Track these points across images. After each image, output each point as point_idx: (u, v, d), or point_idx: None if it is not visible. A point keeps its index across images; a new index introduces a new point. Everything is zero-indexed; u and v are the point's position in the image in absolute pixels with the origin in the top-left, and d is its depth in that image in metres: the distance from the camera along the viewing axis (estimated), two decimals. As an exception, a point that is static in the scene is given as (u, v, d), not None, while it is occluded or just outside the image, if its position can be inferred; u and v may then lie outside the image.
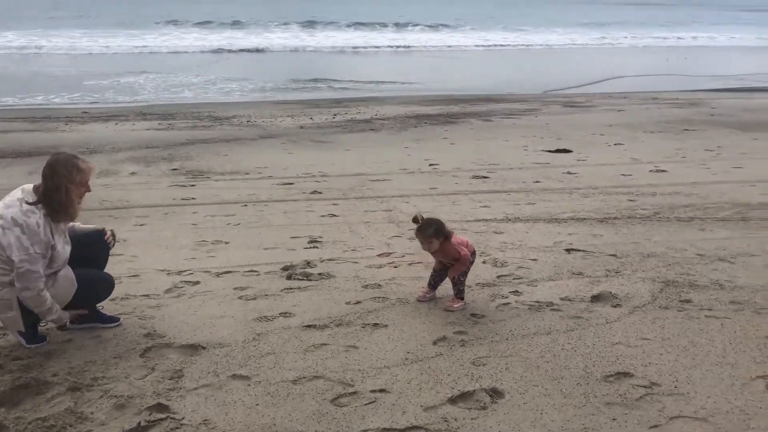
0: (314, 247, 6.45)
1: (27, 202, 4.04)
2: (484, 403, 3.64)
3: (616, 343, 4.39)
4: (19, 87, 21.85)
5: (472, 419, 3.49)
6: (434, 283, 5.14)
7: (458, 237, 5.07)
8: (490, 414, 3.54)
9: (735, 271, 5.78)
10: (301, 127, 15.06)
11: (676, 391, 3.79)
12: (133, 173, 10.22)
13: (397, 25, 54.31)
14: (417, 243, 6.26)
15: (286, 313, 4.86)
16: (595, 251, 6.29)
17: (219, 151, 12.03)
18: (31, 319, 4.19)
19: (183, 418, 3.46)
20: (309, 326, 4.63)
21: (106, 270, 4.59)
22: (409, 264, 5.92)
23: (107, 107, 18.62)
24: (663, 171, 9.97)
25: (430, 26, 54.31)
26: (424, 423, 3.45)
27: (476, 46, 41.74)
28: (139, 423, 3.38)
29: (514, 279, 5.57)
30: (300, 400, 3.67)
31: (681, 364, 4.13)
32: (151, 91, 22.23)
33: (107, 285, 4.50)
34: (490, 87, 23.44)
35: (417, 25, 54.75)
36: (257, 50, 36.15)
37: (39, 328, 4.38)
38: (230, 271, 5.75)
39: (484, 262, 6.02)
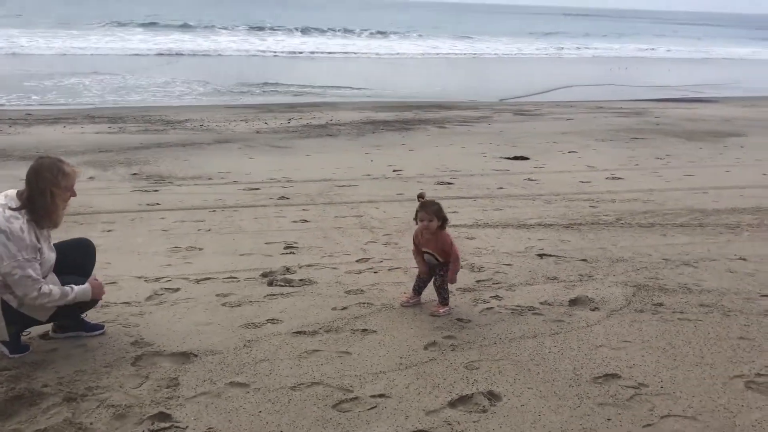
0: (291, 253, 6.45)
1: (10, 208, 3.95)
2: (484, 406, 3.72)
3: (600, 346, 4.53)
4: (-47, 88, 21.14)
5: (474, 422, 3.57)
6: (419, 288, 5.18)
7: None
8: (491, 417, 3.62)
9: (700, 275, 6.01)
10: (258, 132, 14.98)
11: (663, 391, 3.94)
12: (91, 178, 10.01)
13: (345, 31, 54.34)
14: (395, 249, 6.37)
15: (274, 319, 4.85)
16: (566, 256, 6.46)
17: (177, 155, 11.87)
18: (14, 328, 4.09)
19: (187, 426, 3.45)
20: (299, 332, 4.64)
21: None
22: (389, 269, 5.97)
23: (52, 109, 18.16)
24: (619, 178, 10.27)
25: (378, 33, 54.50)
26: (429, 427, 3.51)
27: (423, 54, 42.04)
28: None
29: (493, 284, 5.68)
30: (302, 406, 3.68)
31: (663, 365, 4.28)
32: (96, 93, 21.75)
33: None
34: (439, 94, 23.71)
35: (366, 31, 54.82)
36: (206, 53, 35.63)
37: (21, 337, 4.27)
38: (209, 278, 5.71)
39: (461, 267, 6.09)
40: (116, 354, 4.25)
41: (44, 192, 3.97)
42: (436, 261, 5.01)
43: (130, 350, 4.31)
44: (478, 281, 5.73)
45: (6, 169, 10.04)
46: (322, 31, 52.86)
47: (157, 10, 64.31)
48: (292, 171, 10.57)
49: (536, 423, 3.57)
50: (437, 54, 42.70)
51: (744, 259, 6.47)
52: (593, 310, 5.16)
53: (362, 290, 5.46)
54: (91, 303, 4.36)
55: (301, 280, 5.68)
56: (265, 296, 5.31)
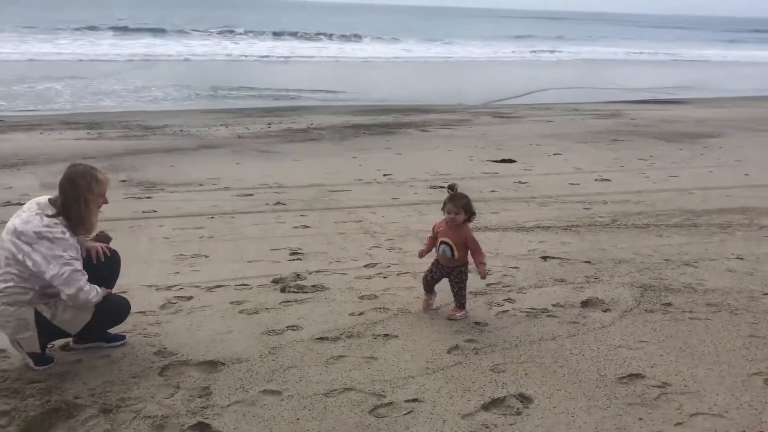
0: (298, 259, 6.46)
1: (47, 215, 3.95)
2: (517, 409, 3.78)
3: (618, 346, 4.62)
4: None
5: (510, 425, 3.62)
6: (430, 287, 5.19)
7: None
8: (526, 419, 3.68)
9: (701, 275, 6.14)
10: (240, 137, 14.92)
11: (687, 390, 4.03)
12: (80, 185, 9.85)
13: (317, 34, 54.26)
14: (401, 254, 6.41)
15: (294, 326, 4.86)
16: (569, 258, 6.55)
17: (163, 161, 11.79)
18: (44, 339, 4.06)
19: (227, 435, 3.44)
20: (321, 339, 4.66)
21: None
22: (398, 274, 6.01)
23: (25, 115, 17.91)
24: (607, 180, 10.43)
25: (354, 36, 54.51)
26: (468, 430, 3.55)
27: (397, 57, 42.15)
28: (186, 442, 3.33)
29: (503, 287, 5.74)
30: (339, 412, 3.70)
31: (683, 364, 4.38)
32: (68, 98, 21.46)
33: (126, 309, 4.41)
34: (415, 98, 23.76)
35: (334, 34, 54.80)
36: (178, 58, 35.32)
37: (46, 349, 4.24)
38: (221, 285, 5.70)
39: (468, 271, 6.15)
40: (142, 364, 4.22)
41: (78, 199, 4.00)
42: (451, 255, 4.96)
43: (156, 360, 4.28)
44: (488, 284, 5.78)
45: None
46: (294, 35, 52.68)
47: (127, 14, 63.57)
48: (282, 176, 10.55)
49: (571, 424, 3.63)
50: (409, 57, 42.77)
51: (741, 258, 6.62)
52: (605, 311, 5.25)
53: (375, 295, 5.49)
54: (117, 320, 4.34)
55: (313, 286, 5.69)
56: (280, 303, 5.31)
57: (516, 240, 7.18)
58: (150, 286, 5.66)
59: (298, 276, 5.93)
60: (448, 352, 4.50)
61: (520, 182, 10.21)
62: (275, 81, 27.35)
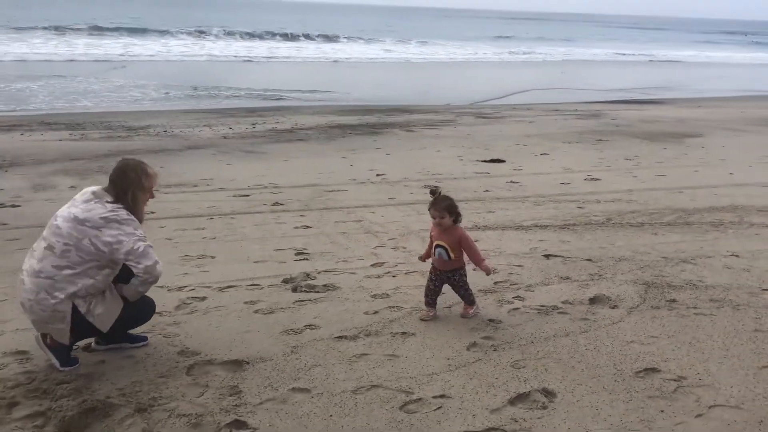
0: (304, 259, 6.50)
1: (108, 202, 4.06)
2: (543, 403, 3.87)
3: (630, 342, 4.74)
4: None
5: (538, 418, 3.71)
6: (432, 300, 5.14)
7: None
8: (553, 413, 3.78)
9: (700, 272, 6.30)
10: (225, 137, 14.90)
11: (703, 383, 4.16)
12: (72, 187, 9.83)
13: (294, 35, 54.14)
14: (406, 253, 6.49)
15: (311, 325, 4.92)
16: (570, 257, 6.68)
17: (152, 162, 11.47)
18: (73, 337, 4.08)
19: (264, 433, 3.49)
20: (340, 337, 4.72)
21: None
22: (406, 273, 6.09)
23: (2, 116, 17.67)
24: (597, 179, 10.60)
25: (334, 37, 54.47)
26: (498, 424, 3.64)
27: (373, 58, 42.20)
28: (226, 440, 3.38)
29: (510, 284, 5.85)
30: (370, 409, 3.77)
31: (695, 358, 4.51)
32: (45, 98, 21.22)
33: (152, 307, 4.45)
34: (396, 98, 23.82)
35: (310, 35, 54.72)
36: (156, 58, 35.03)
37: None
38: (232, 286, 5.73)
39: (474, 269, 6.24)
40: (167, 364, 4.26)
41: (127, 191, 4.12)
42: (447, 257, 4.97)
43: (180, 360, 4.32)
44: (495, 282, 5.89)
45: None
46: (272, 35, 52.48)
47: (102, 14, 62.84)
48: (275, 177, 10.58)
49: (597, 417, 3.74)
50: (387, 58, 42.85)
51: (737, 256, 6.79)
52: (613, 308, 5.37)
53: (387, 294, 5.56)
54: (143, 318, 4.37)
55: (324, 285, 5.75)
56: (294, 302, 5.36)
57: (516, 239, 7.29)
58: (161, 287, 5.66)
59: (307, 276, 5.98)
60: (467, 349, 4.58)
61: (512, 182, 10.33)
62: (254, 81, 27.27)
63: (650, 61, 51.15)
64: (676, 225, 7.94)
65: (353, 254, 6.68)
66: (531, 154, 12.98)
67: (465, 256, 5.13)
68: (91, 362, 4.29)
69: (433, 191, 4.96)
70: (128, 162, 4.23)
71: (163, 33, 48.14)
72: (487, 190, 9.73)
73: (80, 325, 4.06)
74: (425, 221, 7.83)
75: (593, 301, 5.51)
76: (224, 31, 51.88)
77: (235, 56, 37.89)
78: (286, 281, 5.86)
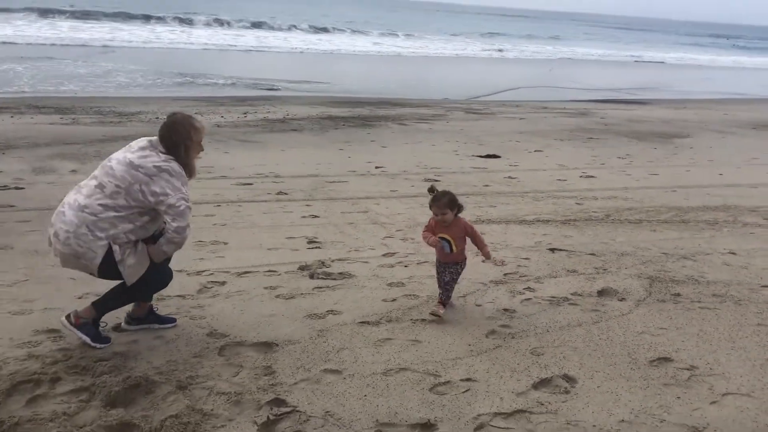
0: (317, 248, 6.63)
1: (162, 152, 4.14)
2: (565, 388, 4.05)
3: (641, 333, 4.93)
4: None
5: (563, 402, 3.89)
6: (445, 300, 5.10)
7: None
8: (575, 397, 3.95)
9: (700, 268, 6.52)
10: (218, 126, 14.93)
11: (714, 372, 4.36)
12: (73, 171, 9.87)
13: (282, 27, 53.94)
14: (415, 244, 6.64)
15: (333, 310, 5.05)
16: (575, 251, 6.87)
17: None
18: (100, 275, 4.17)
19: (305, 411, 3.63)
20: (363, 322, 4.87)
21: None
22: (418, 263, 6.24)
23: (-10, 98, 17.56)
24: (592, 177, 10.82)
25: (322, 29, 54.37)
26: (525, 407, 3.81)
27: (357, 51, 42.20)
28: (268, 417, 3.51)
29: (520, 276, 6.02)
30: (401, 390, 3.92)
31: (703, 349, 4.71)
32: (28, 81, 21.05)
33: (170, 275, 4.53)
34: (384, 91, 23.88)
35: (296, 26, 54.57)
36: (143, 45, 34.78)
37: (100, 330, 4.36)
38: (249, 272, 5.85)
39: (483, 261, 6.41)
40: (199, 345, 4.37)
41: (178, 146, 4.20)
42: (450, 250, 4.97)
43: (211, 341, 4.43)
44: (505, 274, 6.06)
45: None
46: (257, 25, 52.25)
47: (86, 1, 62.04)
48: (275, 166, 10.67)
49: (618, 402, 3.92)
50: (375, 52, 42.89)
51: (734, 253, 7.02)
52: (621, 300, 5.56)
53: (402, 283, 5.70)
54: (162, 282, 4.49)
55: (340, 273, 5.88)
56: (313, 289, 5.49)
57: (520, 232, 7.47)
58: (180, 270, 5.76)
59: (322, 263, 6.11)
60: (486, 336, 4.74)
61: (509, 177, 10.52)
62: (242, 70, 27.21)
63: (636, 61, 51.66)
64: (673, 223, 8.16)
65: (363, 244, 6.82)
66: (525, 151, 13.17)
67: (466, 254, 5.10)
68: (124, 341, 4.38)
69: (431, 189, 4.96)
70: (176, 117, 4.27)
71: (149, 18, 47.66)
72: (486, 185, 9.90)
73: (108, 270, 4.12)
74: (429, 214, 7.99)
75: (601, 293, 5.69)
76: (213, 18, 51.51)
77: (223, 45, 37.66)
78: (302, 268, 5.98)
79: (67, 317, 4.29)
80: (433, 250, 5.25)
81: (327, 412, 3.64)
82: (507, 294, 5.56)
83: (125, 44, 33.90)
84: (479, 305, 5.31)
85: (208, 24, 49.10)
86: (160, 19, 47.45)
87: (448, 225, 4.94)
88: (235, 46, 38.32)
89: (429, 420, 3.60)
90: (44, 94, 18.88)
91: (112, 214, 4.06)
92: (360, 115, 17.76)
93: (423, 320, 4.96)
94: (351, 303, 5.23)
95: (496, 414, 3.71)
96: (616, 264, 6.48)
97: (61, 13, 45.13)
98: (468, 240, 5.11)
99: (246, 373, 4.02)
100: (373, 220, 7.73)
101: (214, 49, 37.01)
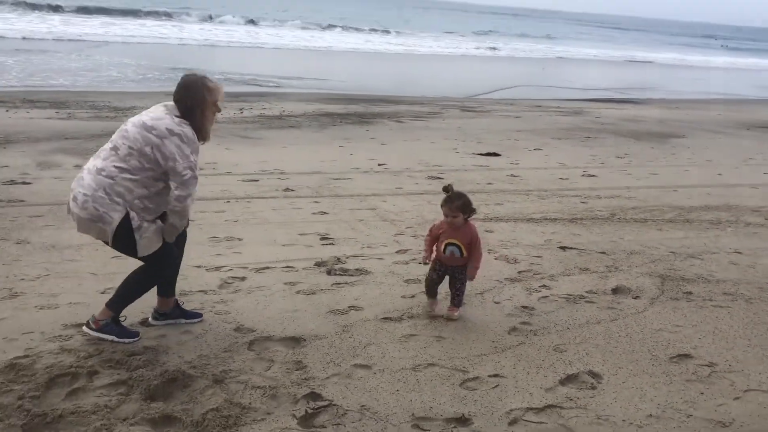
0: (330, 244, 6.67)
1: (176, 116, 4.12)
2: (592, 384, 4.13)
3: (659, 330, 5.02)
4: None
5: (591, 397, 3.97)
6: (434, 291, 5.11)
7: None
8: (602, 392, 4.03)
9: (708, 267, 6.62)
10: (216, 121, 14.81)
11: (733, 369, 4.46)
12: (77, 166, 9.79)
13: (275, 20, 53.81)
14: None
15: (355, 306, 5.11)
16: (585, 249, 6.96)
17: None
18: (113, 244, 4.16)
19: (340, 405, 3.68)
20: (385, 318, 4.93)
21: None
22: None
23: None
24: (593, 176, 10.92)
25: (311, 24, 54.27)
26: (555, 402, 3.88)
27: (350, 48, 42.17)
28: (306, 410, 3.56)
29: (534, 274, 6.10)
30: (432, 385, 3.99)
31: (721, 346, 4.81)
32: (18, 75, 20.92)
33: (173, 257, 4.51)
34: (377, 88, 23.87)
35: (287, 22, 54.44)
36: (132, 40, 34.58)
37: (126, 323, 4.39)
38: (268, 267, 5.89)
39: (496, 258, 6.51)
40: (227, 340, 4.41)
41: (193, 108, 4.16)
42: (460, 254, 4.89)
43: (238, 336, 4.48)
44: (519, 272, 6.13)
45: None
46: (250, 21, 52.07)
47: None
48: (278, 163, 10.69)
49: (644, 397, 4.00)
50: (366, 49, 42.87)
51: (740, 253, 7.14)
52: (635, 298, 5.65)
53: (419, 279, 5.75)
54: (172, 259, 4.48)
55: (356, 269, 5.93)
56: (332, 285, 5.54)
57: (529, 230, 7.55)
58: (198, 266, 5.81)
59: (338, 260, 6.16)
60: (509, 333, 4.81)
61: (512, 175, 10.60)
62: (233, 66, 27.13)
63: (628, 61, 52.00)
64: (678, 222, 8.27)
65: (376, 241, 6.87)
66: (524, 149, 13.26)
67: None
68: (153, 336, 4.41)
69: (447, 188, 4.82)
70: (190, 79, 4.23)
71: (137, 13, 47.36)
72: (490, 183, 9.98)
73: (122, 238, 4.10)
74: (438, 212, 8.05)
75: (616, 291, 5.78)
76: (204, 14, 51.28)
77: (213, 41, 37.52)
78: (318, 264, 6.03)
79: (87, 325, 4.32)
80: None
81: (363, 406, 3.70)
82: (524, 292, 5.63)
83: (117, 38, 33.66)
84: (498, 302, 5.36)
85: (202, 19, 48.84)
86: (153, 15, 47.14)
87: (458, 228, 4.84)
88: (226, 41, 38.16)
89: (463, 414, 3.67)
90: (37, 88, 18.76)
91: (128, 176, 4.05)
92: (356, 112, 17.78)
93: (444, 317, 5.01)
94: (371, 299, 5.28)
95: (527, 409, 3.78)
96: (626, 262, 6.57)
97: (51, 7, 44.72)
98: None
99: (278, 368, 4.07)
100: (382, 217, 7.78)
101: (205, 44, 36.84)
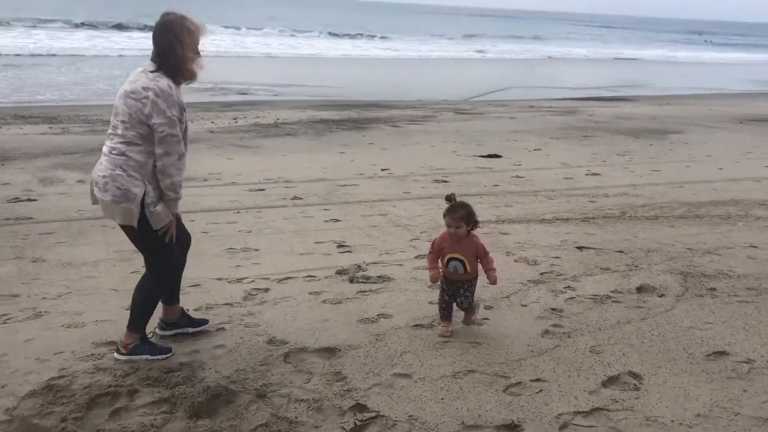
0: (348, 252, 6.62)
1: (150, 71, 3.99)
2: (634, 384, 4.09)
3: (690, 327, 5.00)
4: None
5: (635, 398, 3.93)
6: (448, 313, 4.80)
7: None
8: (646, 393, 4.00)
9: (727, 262, 6.62)
10: (211, 132, 14.84)
11: (771, 365, 4.42)
12: (80, 181, 9.74)
13: (255, 29, 53.73)
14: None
15: (383, 314, 5.06)
16: (602, 248, 6.94)
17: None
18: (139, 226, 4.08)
19: (388, 415, 3.63)
20: (416, 326, 4.88)
21: None
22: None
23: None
24: (597, 174, 10.93)
25: (295, 31, 54.19)
26: (602, 405, 3.85)
27: (338, 55, 42.12)
28: (355, 423, 3.51)
29: (557, 275, 6.07)
30: (477, 392, 3.94)
31: (755, 342, 4.79)
32: (2, 91, 20.75)
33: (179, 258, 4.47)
34: (367, 93, 23.83)
35: (271, 30, 54.33)
36: (113, 53, 34.39)
37: (157, 339, 4.33)
38: (289, 277, 5.83)
39: (516, 261, 6.48)
40: (261, 353, 4.35)
41: (168, 55, 4.00)
42: (464, 270, 4.63)
43: (272, 349, 4.42)
44: (541, 273, 6.10)
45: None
46: (237, 28, 51.94)
47: (46, 8, 61.20)
48: (282, 171, 10.63)
49: (688, 396, 3.97)
50: (352, 55, 42.86)
51: (755, 247, 7.14)
52: (660, 296, 5.63)
53: (443, 285, 5.69)
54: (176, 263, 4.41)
55: (379, 276, 5.88)
56: (356, 293, 5.49)
57: (544, 231, 7.53)
58: (219, 279, 5.74)
59: (359, 267, 6.11)
60: (542, 336, 4.78)
61: (517, 176, 10.59)
62: (220, 75, 26.96)
63: (614, 59, 52.31)
64: (689, 218, 8.27)
65: (393, 247, 6.82)
66: (524, 150, 13.26)
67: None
68: (186, 352, 4.35)
69: (449, 197, 4.57)
70: (168, 17, 4.06)
71: (124, 28, 47.11)
72: (496, 185, 9.95)
73: (144, 219, 4.04)
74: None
75: (640, 290, 5.76)
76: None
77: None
78: (339, 273, 5.97)
79: (117, 351, 4.25)
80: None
81: (410, 416, 3.65)
82: (549, 293, 5.60)
83: (104, 52, 33.46)
84: (525, 305, 5.33)
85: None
86: (139, 27, 46.90)
87: (460, 241, 4.59)
88: (213, 51, 37.94)
89: (513, 421, 3.63)
90: (27, 103, 18.61)
91: (135, 149, 3.98)
92: (350, 117, 17.75)
93: (474, 322, 4.97)
94: (398, 306, 5.23)
95: (575, 413, 3.74)
96: (645, 260, 6.56)
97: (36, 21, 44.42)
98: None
99: (318, 380, 4.01)
100: (394, 222, 7.74)
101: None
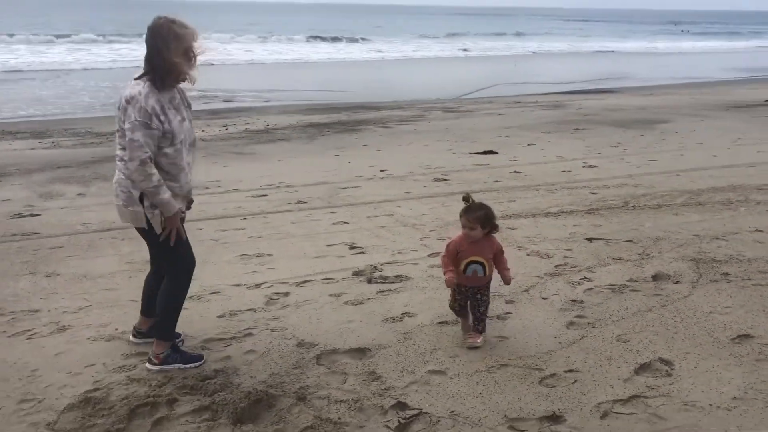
0: (361, 253, 6.63)
1: (135, 78, 4.02)
2: (667, 371, 4.14)
3: (710, 312, 5.06)
4: None
5: (670, 384, 3.98)
6: (463, 312, 4.65)
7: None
8: (679, 379, 4.05)
9: (735, 247, 6.70)
10: (203, 140, 14.76)
11: (796, 346, 4.48)
12: (80, 194, 9.69)
13: (238, 33, 53.57)
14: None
15: (407, 313, 5.08)
16: (611, 239, 7.00)
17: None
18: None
19: (431, 412, 3.65)
20: (441, 323, 4.91)
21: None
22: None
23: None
24: (594, 166, 11.00)
25: (284, 37, 54.11)
26: (638, 392, 3.89)
27: (323, 58, 42.06)
28: (399, 421, 3.52)
29: (571, 267, 6.11)
30: (512, 385, 3.97)
31: (776, 324, 4.84)
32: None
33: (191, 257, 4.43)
34: (353, 96, 23.85)
35: (252, 36, 54.20)
36: (100, 66, 34.16)
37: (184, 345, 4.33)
38: (307, 281, 5.83)
39: (528, 255, 6.52)
40: (293, 356, 4.36)
41: (160, 51, 3.98)
42: (483, 273, 4.47)
43: (304, 352, 4.43)
44: (556, 266, 6.15)
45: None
46: (220, 35, 51.75)
47: (26, 21, 60.67)
48: (281, 176, 10.62)
49: (721, 380, 4.02)
50: (335, 58, 42.84)
51: (761, 231, 7.23)
52: (676, 283, 5.69)
53: (461, 282, 5.72)
54: (191, 265, 4.38)
55: (396, 276, 5.90)
56: (376, 293, 5.50)
57: (551, 225, 7.57)
58: (238, 285, 5.74)
59: (375, 268, 6.12)
60: (567, 327, 4.81)
61: (515, 172, 10.63)
62: (207, 83, 26.72)
63: (596, 52, 52.64)
64: (690, 205, 8.36)
65: (404, 246, 6.84)
66: (518, 145, 13.32)
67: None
68: (217, 359, 4.35)
69: (466, 197, 4.44)
70: (155, 24, 4.02)
71: (111, 39, 46.79)
72: (496, 181, 10.00)
73: (148, 223, 4.07)
74: (455, 213, 8.04)
75: (656, 278, 5.82)
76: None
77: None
78: (356, 274, 5.98)
79: (149, 361, 4.24)
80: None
81: (452, 411, 3.67)
82: (567, 285, 5.64)
83: (89, 65, 33.23)
84: (545, 298, 5.37)
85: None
86: (121, 38, 46.61)
87: (478, 242, 4.43)
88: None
89: (554, 412, 3.65)
90: (13, 119, 18.47)
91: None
92: (340, 120, 17.75)
93: (498, 317, 5.02)
94: (420, 304, 5.25)
95: (614, 401, 3.78)
96: (655, 249, 6.62)
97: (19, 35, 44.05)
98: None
99: (354, 380, 4.02)
100: (402, 222, 7.75)
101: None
